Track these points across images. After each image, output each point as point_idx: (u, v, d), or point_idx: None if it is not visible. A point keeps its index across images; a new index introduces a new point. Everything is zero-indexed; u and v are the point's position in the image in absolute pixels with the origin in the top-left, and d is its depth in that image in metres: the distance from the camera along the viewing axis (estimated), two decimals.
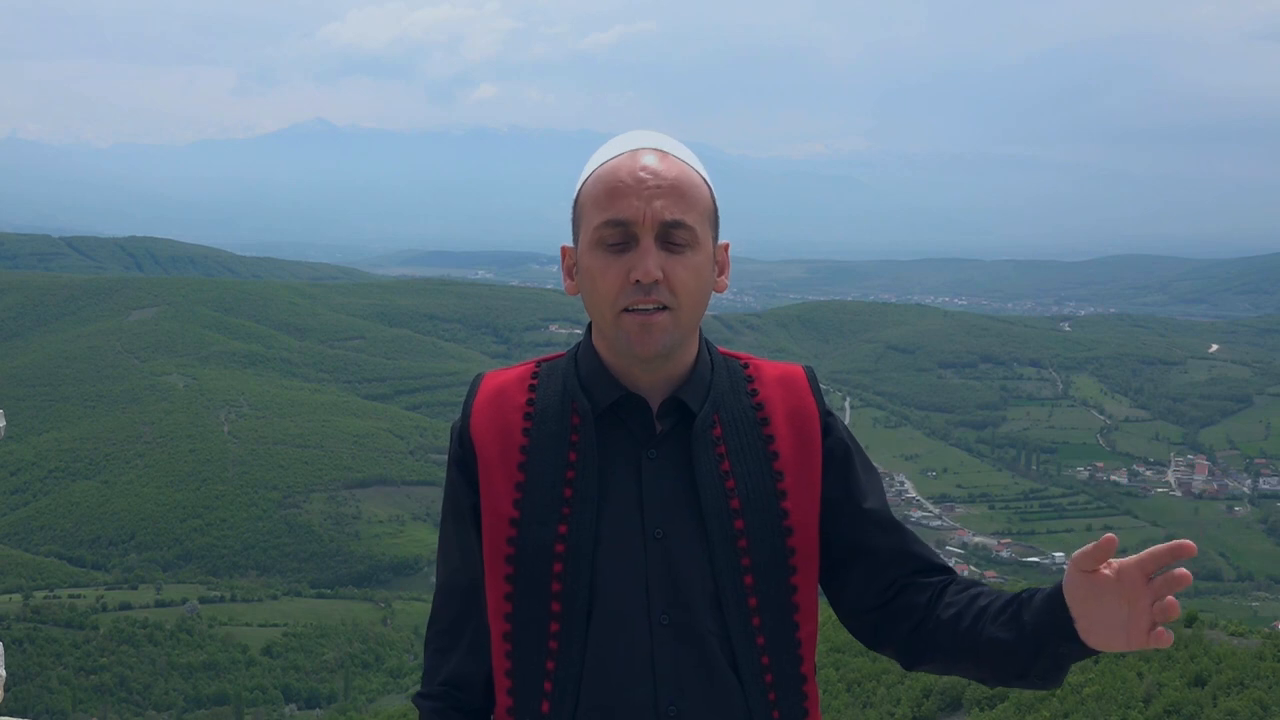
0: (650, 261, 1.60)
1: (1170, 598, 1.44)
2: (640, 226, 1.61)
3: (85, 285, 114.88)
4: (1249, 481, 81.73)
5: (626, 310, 1.63)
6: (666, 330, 1.63)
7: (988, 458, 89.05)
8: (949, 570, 1.76)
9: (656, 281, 1.61)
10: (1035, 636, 1.56)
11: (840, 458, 1.76)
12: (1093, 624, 1.49)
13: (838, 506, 1.74)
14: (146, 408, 79.12)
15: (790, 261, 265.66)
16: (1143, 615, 1.45)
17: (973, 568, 61.31)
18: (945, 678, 17.67)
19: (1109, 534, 1.48)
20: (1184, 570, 1.44)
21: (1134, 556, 1.47)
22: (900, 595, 1.72)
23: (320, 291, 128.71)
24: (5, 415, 5.72)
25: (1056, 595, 1.53)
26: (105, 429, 74.69)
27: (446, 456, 1.81)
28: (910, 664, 1.74)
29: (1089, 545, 1.48)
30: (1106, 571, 1.47)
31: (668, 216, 1.61)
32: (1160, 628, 1.44)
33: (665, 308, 1.63)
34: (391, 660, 47.51)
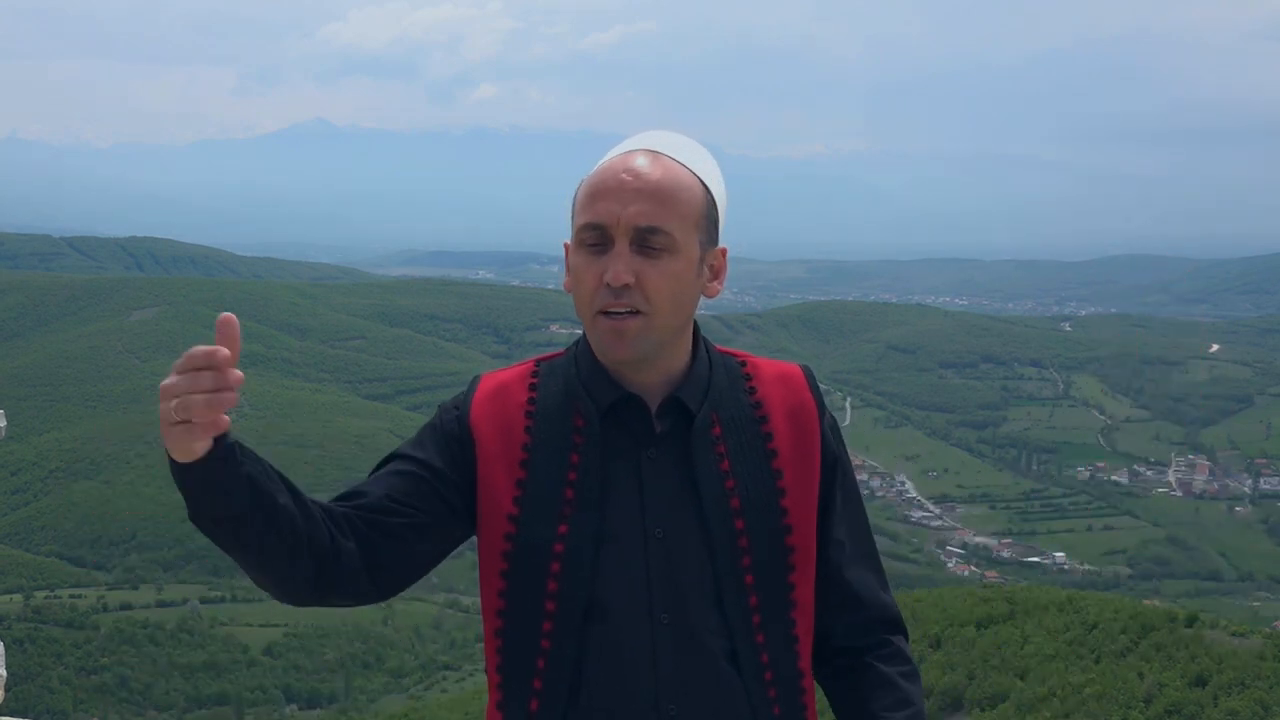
0: (620, 265, 1.59)
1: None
2: (615, 230, 1.60)
3: (86, 285, 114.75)
4: (1250, 482, 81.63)
5: (602, 313, 1.62)
6: (638, 336, 1.62)
7: (988, 458, 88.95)
8: (892, 628, 1.78)
9: (627, 285, 1.59)
10: None
11: (830, 465, 1.76)
12: None
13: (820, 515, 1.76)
14: (147, 408, 78.95)
15: (790, 261, 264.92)
16: None
17: (974, 568, 61.35)
18: (946, 677, 17.66)
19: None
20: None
21: None
22: (835, 643, 1.77)
23: (320, 291, 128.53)
24: (6, 415, 5.71)
25: None
26: (106, 429, 74.62)
27: (432, 423, 1.76)
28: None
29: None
30: None
31: (642, 222, 1.59)
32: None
33: (638, 312, 1.61)
34: (392, 660, 47.46)
